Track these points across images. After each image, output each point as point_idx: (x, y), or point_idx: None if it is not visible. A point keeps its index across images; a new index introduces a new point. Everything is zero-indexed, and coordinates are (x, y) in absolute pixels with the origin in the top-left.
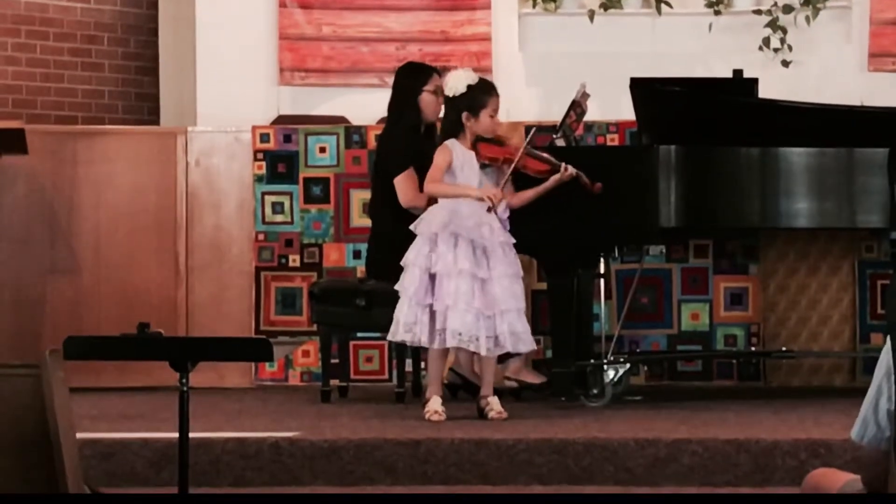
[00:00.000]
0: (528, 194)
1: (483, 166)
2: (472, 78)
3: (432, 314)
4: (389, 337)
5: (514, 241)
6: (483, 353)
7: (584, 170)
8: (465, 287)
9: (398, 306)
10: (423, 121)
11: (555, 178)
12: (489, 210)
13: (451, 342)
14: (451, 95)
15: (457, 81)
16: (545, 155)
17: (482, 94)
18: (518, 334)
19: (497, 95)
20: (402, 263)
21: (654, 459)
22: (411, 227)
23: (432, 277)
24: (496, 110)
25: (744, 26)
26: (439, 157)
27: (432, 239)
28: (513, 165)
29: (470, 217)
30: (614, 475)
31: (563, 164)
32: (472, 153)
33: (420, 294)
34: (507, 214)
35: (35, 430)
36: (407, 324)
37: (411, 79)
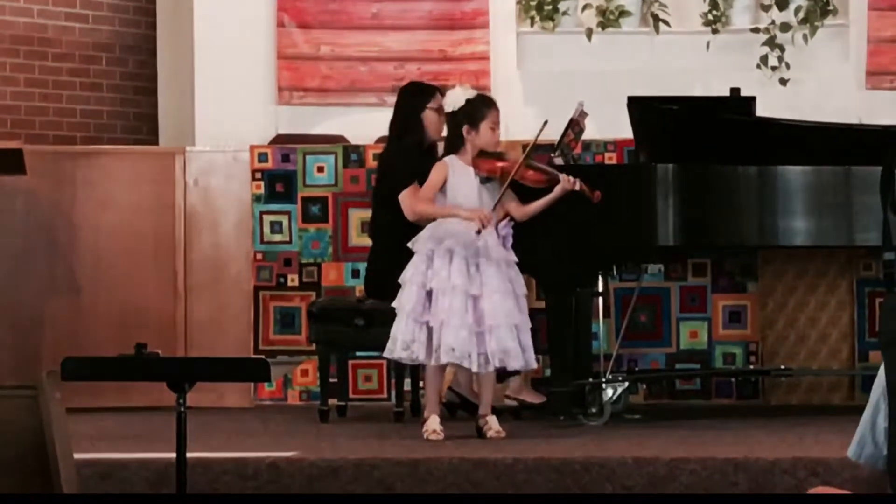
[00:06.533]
0: (533, 207)
1: (483, 181)
2: (471, 93)
3: (429, 331)
4: (386, 354)
5: (514, 258)
6: (474, 369)
7: None
8: (458, 303)
9: (395, 323)
10: (426, 139)
11: (559, 188)
12: (478, 232)
13: (444, 358)
14: (450, 111)
15: (455, 97)
16: (544, 166)
17: (481, 106)
18: (508, 350)
19: (496, 109)
20: (399, 281)
21: (652, 478)
22: (409, 244)
23: (429, 294)
24: (496, 123)
25: (742, 45)
26: (434, 175)
27: (429, 256)
28: (511, 176)
29: (465, 234)
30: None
31: (563, 175)
32: (471, 168)
33: (417, 311)
34: (507, 230)
35: (33, 450)
36: (405, 341)
37: (414, 97)
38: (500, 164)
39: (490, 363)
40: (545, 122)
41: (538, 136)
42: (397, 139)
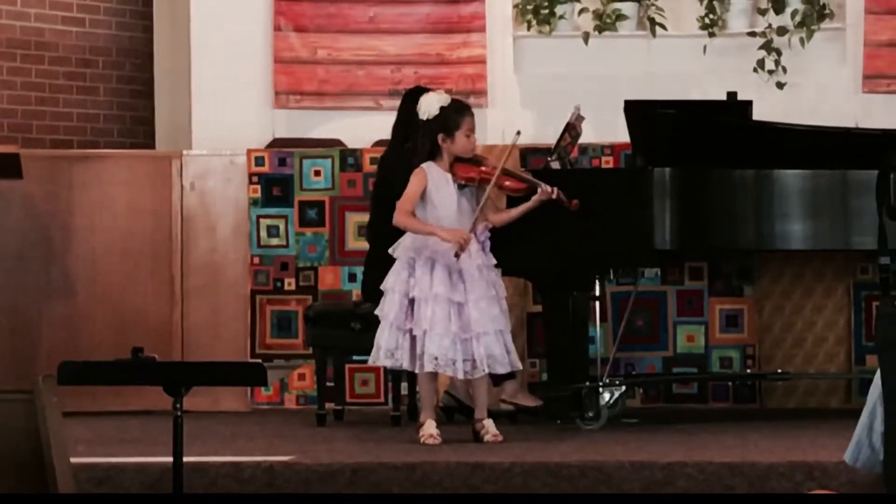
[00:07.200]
0: (511, 214)
1: (461, 186)
2: (445, 100)
3: (413, 339)
4: (371, 361)
5: (494, 262)
6: (459, 377)
7: (579, 192)
8: (441, 312)
9: (379, 331)
10: None
11: (536, 198)
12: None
13: (428, 367)
14: (424, 119)
15: (429, 105)
16: (522, 174)
17: (455, 114)
18: (495, 357)
19: (471, 115)
20: (381, 288)
21: (649, 482)
22: (390, 250)
23: (411, 302)
24: (472, 129)
25: (738, 48)
26: (413, 185)
27: (410, 263)
28: (490, 185)
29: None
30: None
31: (541, 184)
32: (449, 175)
33: (400, 319)
34: (486, 236)
35: (29, 455)
36: (388, 349)
37: (417, 103)
38: (478, 171)
39: (477, 369)
40: (518, 133)
41: (513, 145)
42: (399, 143)
